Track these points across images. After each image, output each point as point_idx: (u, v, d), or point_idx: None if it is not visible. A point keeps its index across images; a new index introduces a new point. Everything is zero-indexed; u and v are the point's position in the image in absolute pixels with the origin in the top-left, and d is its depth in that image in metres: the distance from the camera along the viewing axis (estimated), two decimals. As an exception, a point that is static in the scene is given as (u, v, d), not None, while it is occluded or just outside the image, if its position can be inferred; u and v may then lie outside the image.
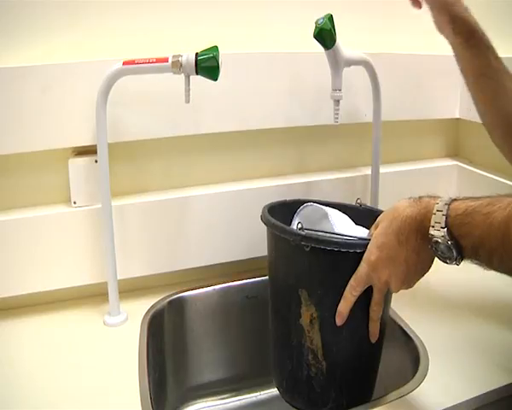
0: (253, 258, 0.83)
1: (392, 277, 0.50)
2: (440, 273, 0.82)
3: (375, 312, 0.54)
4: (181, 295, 0.78)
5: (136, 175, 0.78)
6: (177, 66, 0.61)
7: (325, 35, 0.66)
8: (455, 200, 0.46)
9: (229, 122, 0.79)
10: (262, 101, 0.79)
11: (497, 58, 0.63)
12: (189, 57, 0.61)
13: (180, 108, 0.70)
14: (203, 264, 0.81)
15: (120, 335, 0.69)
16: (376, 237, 0.51)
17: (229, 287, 0.81)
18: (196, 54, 0.61)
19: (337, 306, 0.54)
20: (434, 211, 0.45)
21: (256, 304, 0.82)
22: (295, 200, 0.69)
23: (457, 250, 0.44)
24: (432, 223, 0.45)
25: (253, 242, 0.81)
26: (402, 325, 0.68)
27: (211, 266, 0.81)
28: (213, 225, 0.80)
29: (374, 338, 0.56)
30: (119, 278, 0.71)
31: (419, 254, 0.48)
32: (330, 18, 0.67)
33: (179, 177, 0.81)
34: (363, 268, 0.52)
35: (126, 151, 0.77)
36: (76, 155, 0.73)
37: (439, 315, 0.71)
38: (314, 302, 0.55)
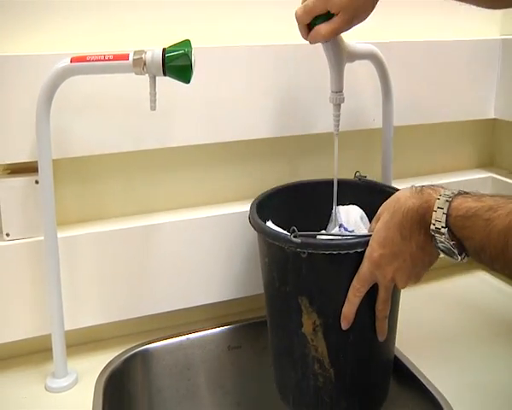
0: (234, 299, 0.84)
1: (397, 273, 0.57)
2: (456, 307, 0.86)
3: (381, 311, 0.61)
4: (146, 347, 0.79)
5: (89, 199, 0.79)
6: (140, 64, 0.62)
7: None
8: (458, 195, 0.52)
9: (204, 133, 0.80)
10: (245, 106, 0.81)
11: None
12: (154, 54, 0.62)
13: (144, 116, 0.71)
14: (173, 308, 0.82)
15: (68, 402, 0.69)
16: (378, 231, 0.57)
17: (206, 336, 0.82)
18: (164, 50, 0.62)
19: (341, 310, 0.60)
20: (435, 208, 0.52)
21: (240, 356, 0.83)
22: (287, 185, 0.79)
23: (460, 250, 0.51)
24: (433, 220, 0.52)
25: (236, 279, 0.83)
26: (418, 375, 0.71)
27: (183, 310, 0.82)
28: (186, 260, 0.81)
29: (382, 337, 0.63)
30: (66, 329, 0.72)
31: (424, 249, 0.55)
32: None
33: (143, 200, 0.82)
34: (365, 267, 0.58)
35: (76, 169, 0.77)
36: (9, 173, 0.73)
37: (456, 358, 0.75)
38: (316, 309, 0.62)
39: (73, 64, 0.63)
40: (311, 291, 0.62)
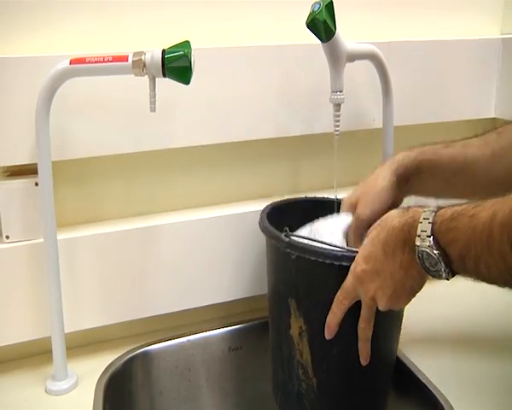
0: (235, 300, 0.84)
1: (378, 291, 0.56)
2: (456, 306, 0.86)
3: (362, 330, 0.60)
4: (146, 349, 0.79)
5: (89, 201, 0.79)
6: (140, 66, 0.62)
7: (319, 26, 0.69)
8: (443, 207, 0.52)
9: (204, 134, 0.80)
10: (245, 107, 0.81)
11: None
12: (154, 55, 0.62)
13: (144, 117, 0.71)
14: (174, 309, 0.82)
15: (68, 405, 0.69)
16: (364, 247, 0.58)
17: (206, 337, 0.82)
18: (163, 51, 0.62)
19: (326, 319, 0.61)
20: (421, 219, 0.51)
21: (241, 357, 0.83)
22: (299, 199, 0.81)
23: (445, 261, 0.50)
24: (418, 232, 0.51)
25: (236, 280, 0.83)
26: (420, 376, 0.70)
27: (184, 311, 0.82)
28: (186, 261, 0.81)
29: (364, 361, 0.61)
30: (66, 331, 0.72)
31: (407, 271, 0.54)
32: (329, 5, 0.69)
33: (143, 202, 0.82)
34: (349, 280, 0.58)
35: (75, 171, 0.77)
36: (9, 175, 0.73)
37: (454, 354, 0.75)
38: (302, 314, 0.63)
39: (73, 66, 0.63)
40: (298, 294, 0.63)
